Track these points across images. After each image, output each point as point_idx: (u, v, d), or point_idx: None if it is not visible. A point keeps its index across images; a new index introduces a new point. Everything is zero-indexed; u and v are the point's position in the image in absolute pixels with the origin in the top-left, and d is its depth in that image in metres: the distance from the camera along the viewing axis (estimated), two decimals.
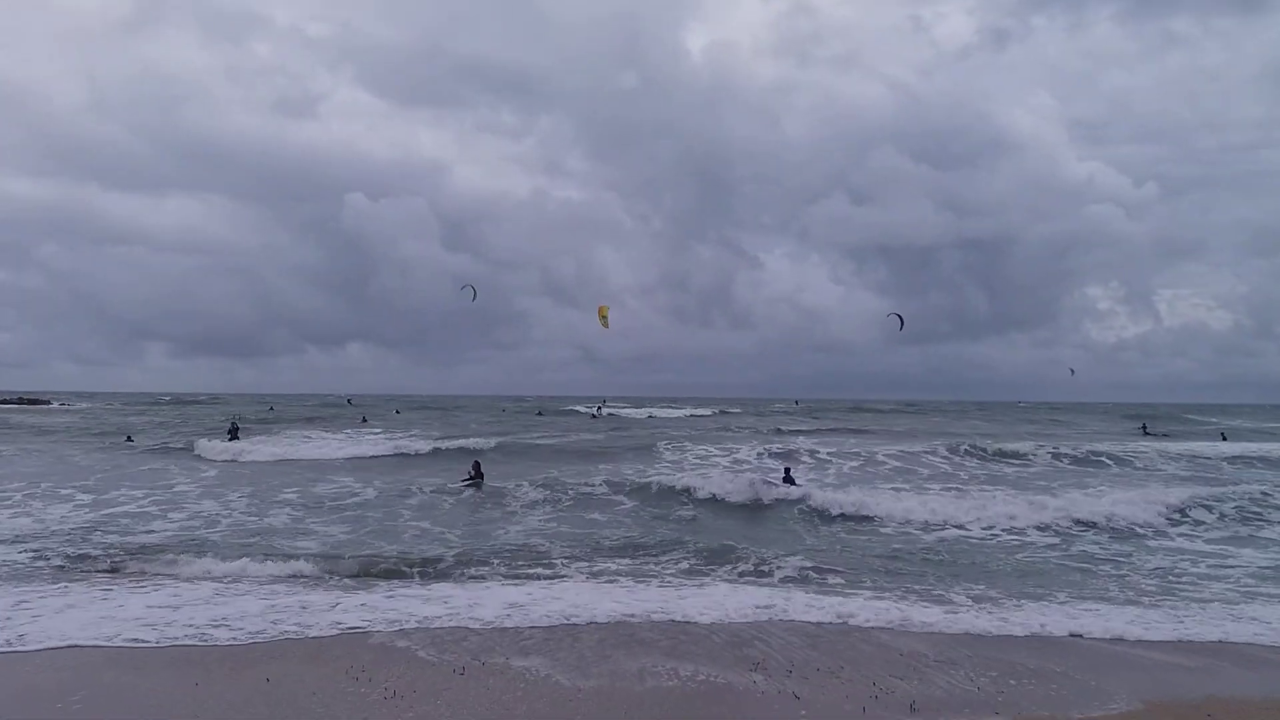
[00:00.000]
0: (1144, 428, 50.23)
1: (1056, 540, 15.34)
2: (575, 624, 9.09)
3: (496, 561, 12.64)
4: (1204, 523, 17.16)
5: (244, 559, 12.18)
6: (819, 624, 9.21)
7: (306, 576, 11.58)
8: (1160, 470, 27.07)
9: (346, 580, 11.47)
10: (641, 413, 73.17)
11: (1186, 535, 16.15)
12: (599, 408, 74.88)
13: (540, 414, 70.96)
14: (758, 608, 9.74)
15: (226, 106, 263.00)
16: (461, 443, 32.16)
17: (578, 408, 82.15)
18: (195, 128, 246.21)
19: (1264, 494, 19.54)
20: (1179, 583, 11.98)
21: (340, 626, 8.91)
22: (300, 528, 15.53)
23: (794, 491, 19.30)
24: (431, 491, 20.02)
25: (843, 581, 11.63)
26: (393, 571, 11.98)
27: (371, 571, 11.93)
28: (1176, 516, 17.39)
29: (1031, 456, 29.74)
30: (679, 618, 9.34)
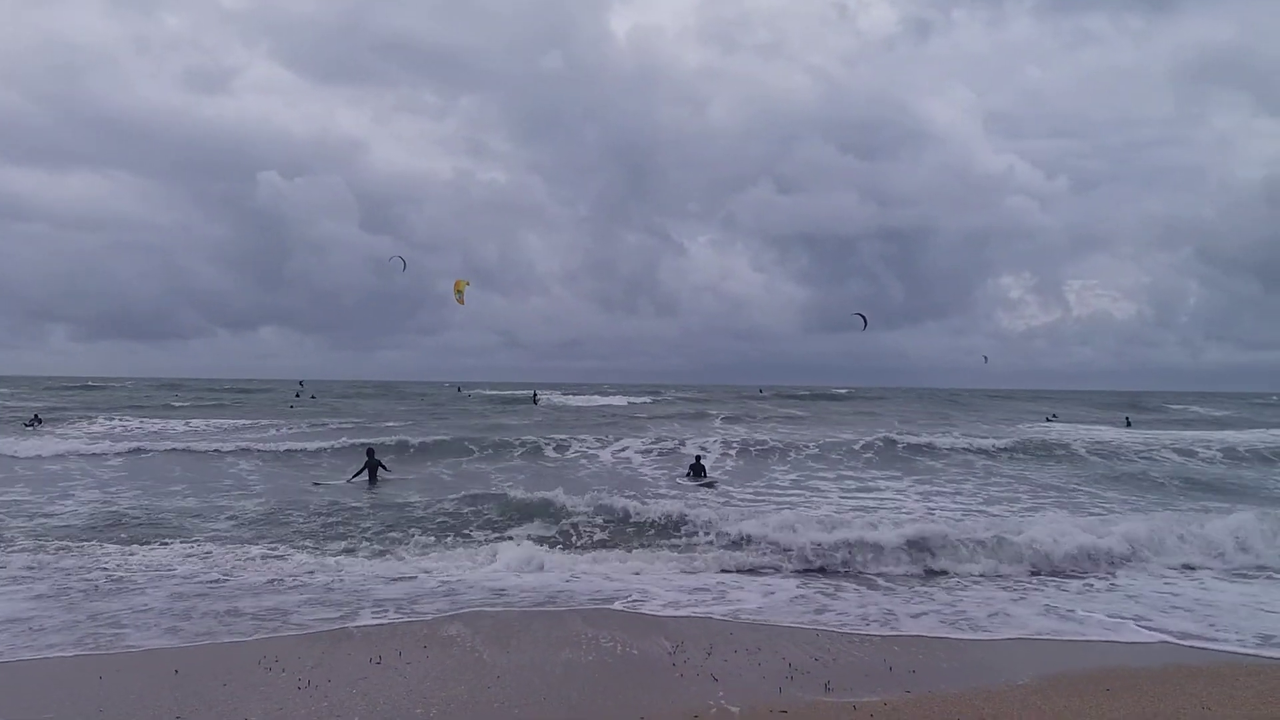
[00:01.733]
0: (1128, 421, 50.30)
1: None
2: (483, 611, 9.10)
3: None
4: None
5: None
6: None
7: None
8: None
9: None
10: (587, 400, 70.91)
11: None
12: (535, 395, 73.04)
13: (460, 390, 70.81)
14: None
15: (134, 79, 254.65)
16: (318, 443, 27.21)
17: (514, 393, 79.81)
18: (101, 101, 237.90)
19: None
20: None
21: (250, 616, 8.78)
22: None
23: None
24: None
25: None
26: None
27: None
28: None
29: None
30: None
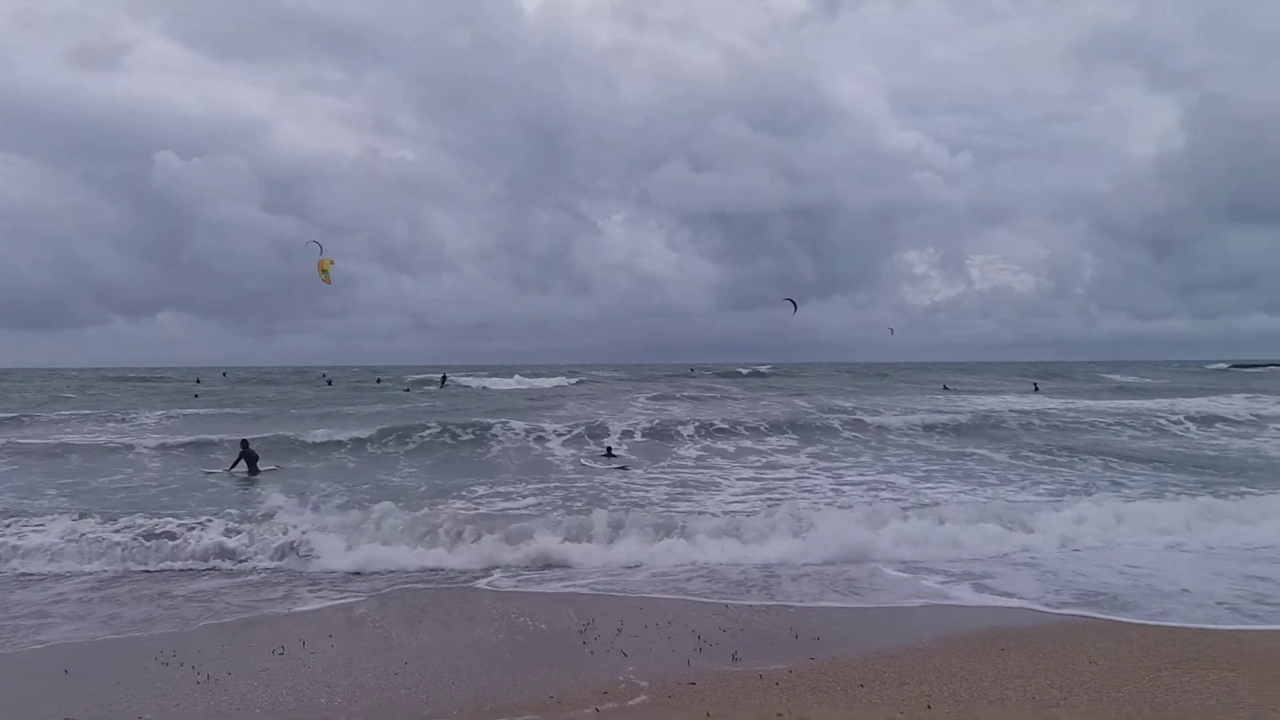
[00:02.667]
0: (1035, 386, 52.55)
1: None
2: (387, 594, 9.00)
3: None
4: None
5: None
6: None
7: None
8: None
9: None
10: (503, 383, 67.54)
11: None
12: (443, 378, 69.64)
13: (330, 382, 68.55)
14: None
15: (17, 56, 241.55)
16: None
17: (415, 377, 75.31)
18: None
19: None
20: None
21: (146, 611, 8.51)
22: None
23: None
24: None
25: None
26: None
27: None
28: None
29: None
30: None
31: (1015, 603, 8.60)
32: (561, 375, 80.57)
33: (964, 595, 8.91)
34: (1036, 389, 49.39)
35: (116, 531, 11.31)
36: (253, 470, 18.68)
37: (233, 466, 18.94)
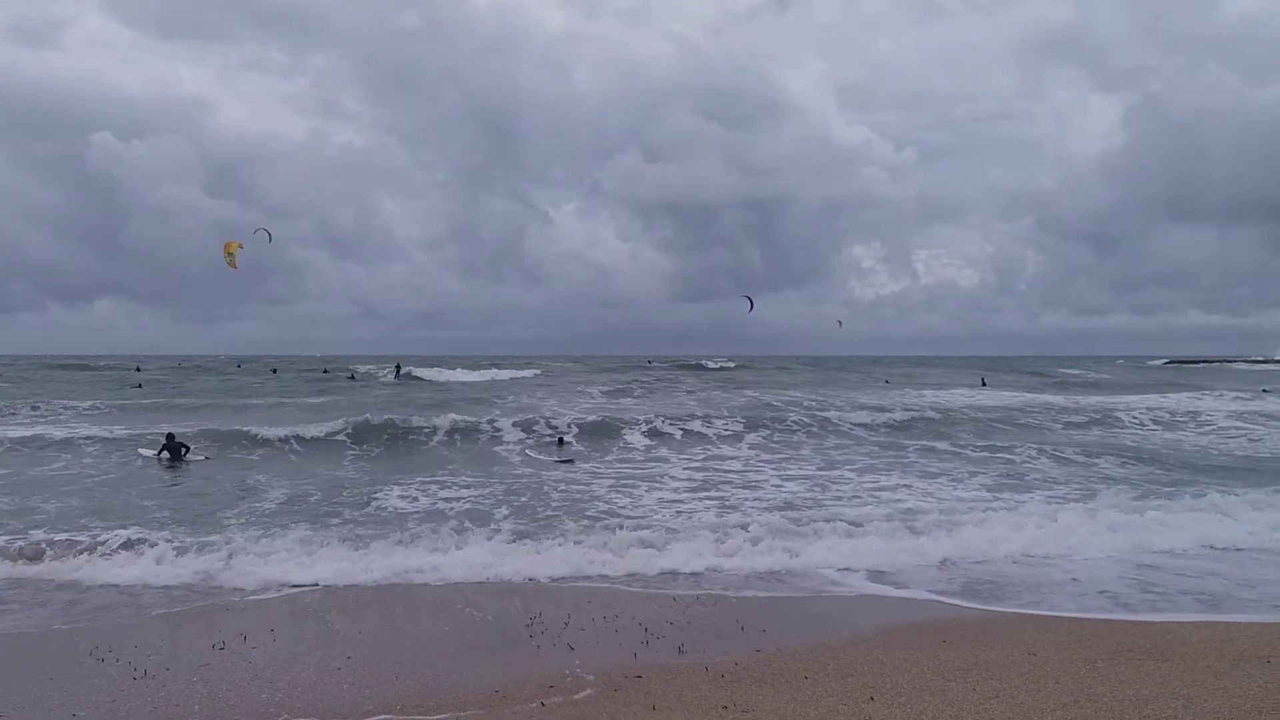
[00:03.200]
0: (983, 381, 52.93)
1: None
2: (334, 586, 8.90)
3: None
4: None
5: None
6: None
7: None
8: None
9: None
10: (455, 374, 65.89)
11: None
12: (397, 368, 68.19)
13: (275, 371, 67.55)
14: None
15: None
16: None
17: (367, 368, 72.60)
18: None
19: None
20: None
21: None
22: None
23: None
24: None
25: None
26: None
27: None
28: None
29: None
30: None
31: (946, 598, 8.74)
32: (516, 367, 79.15)
33: (866, 586, 9.04)
34: (984, 384, 50.15)
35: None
36: (176, 457, 18.89)
37: (159, 453, 19.11)
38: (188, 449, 19.30)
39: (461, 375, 64.20)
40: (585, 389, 45.06)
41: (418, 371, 66.67)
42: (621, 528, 11.36)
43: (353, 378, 60.21)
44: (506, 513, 12.94)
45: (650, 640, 7.15)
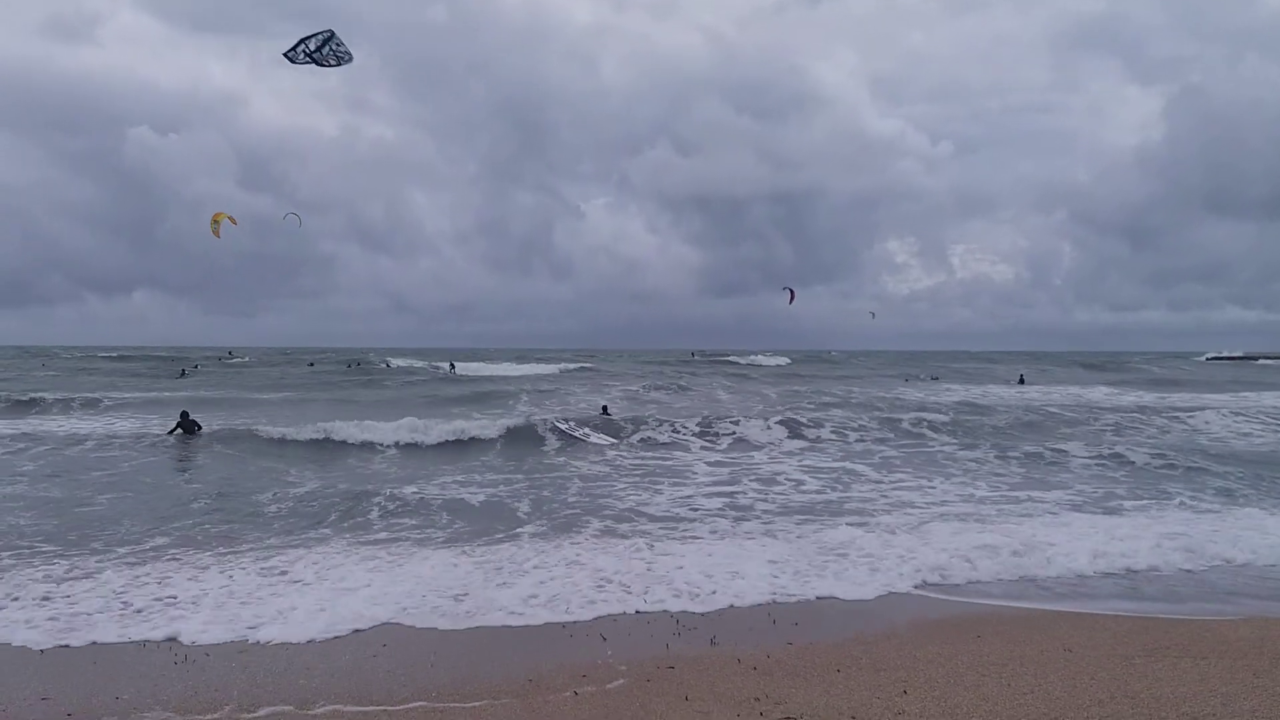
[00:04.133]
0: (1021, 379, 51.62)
1: None
2: None
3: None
4: None
5: None
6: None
7: None
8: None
9: None
10: (504, 369, 64.32)
11: None
12: (451, 364, 66.41)
13: (351, 366, 66.32)
14: None
15: None
16: None
17: (414, 362, 70.55)
18: None
19: None
20: None
21: None
22: None
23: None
24: None
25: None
26: None
27: None
28: None
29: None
30: None
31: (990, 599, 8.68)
32: (562, 360, 78.75)
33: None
34: (1023, 381, 49.53)
35: None
36: (190, 433, 20.41)
37: (172, 431, 20.54)
38: (200, 427, 20.70)
39: (507, 369, 63.14)
40: (658, 382, 44.23)
41: (459, 367, 65.59)
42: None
43: (454, 369, 61.26)
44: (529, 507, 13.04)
45: (682, 632, 7.17)
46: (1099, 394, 39.42)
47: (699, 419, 23.19)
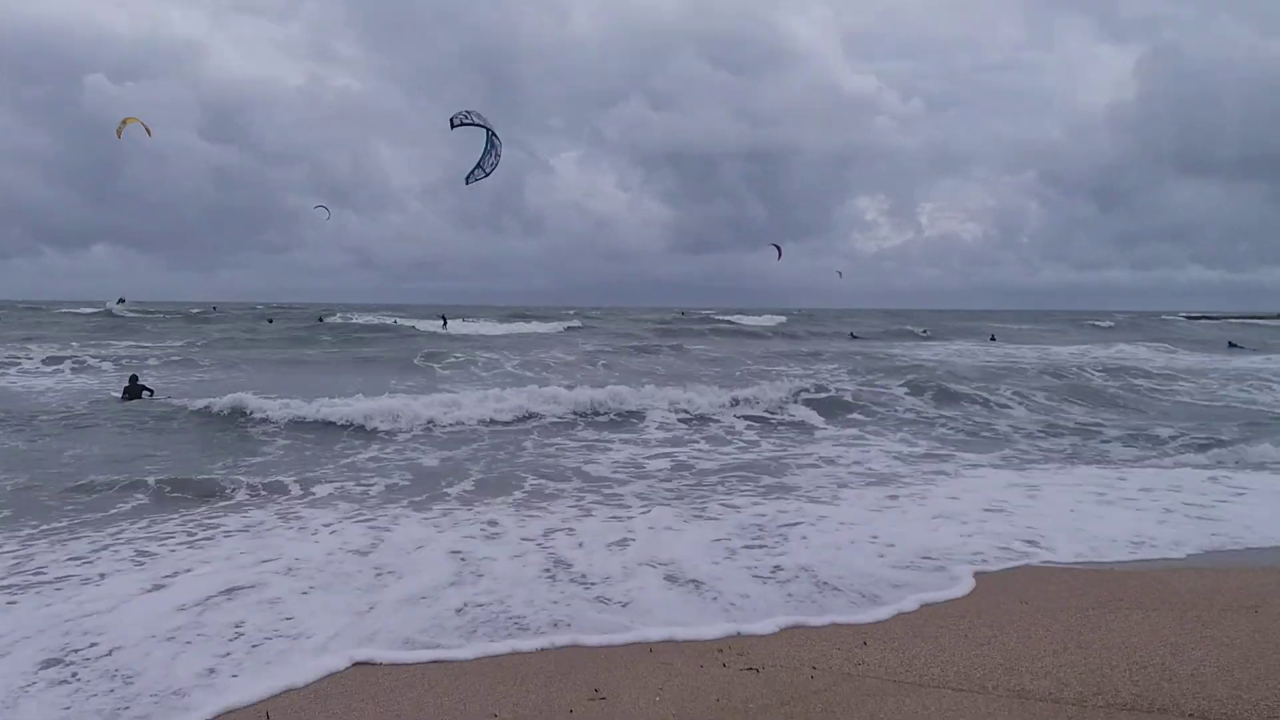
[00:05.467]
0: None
1: None
2: None
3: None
4: None
5: None
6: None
7: None
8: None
9: None
10: (492, 327, 60.16)
11: None
12: (444, 319, 61.86)
13: (322, 320, 63.46)
14: None
15: None
16: None
17: (411, 323, 60.93)
18: None
19: None
20: None
21: None
22: None
23: None
24: None
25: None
26: None
27: None
28: None
29: None
30: None
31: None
32: (544, 318, 75.50)
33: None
34: (994, 339, 50.22)
35: None
36: (136, 397, 19.64)
37: (123, 398, 19.69)
38: (151, 392, 20.07)
39: (489, 328, 59.61)
40: (668, 344, 42.81)
41: (465, 327, 60.65)
42: None
43: (445, 324, 57.88)
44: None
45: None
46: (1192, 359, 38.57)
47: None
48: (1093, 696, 4.91)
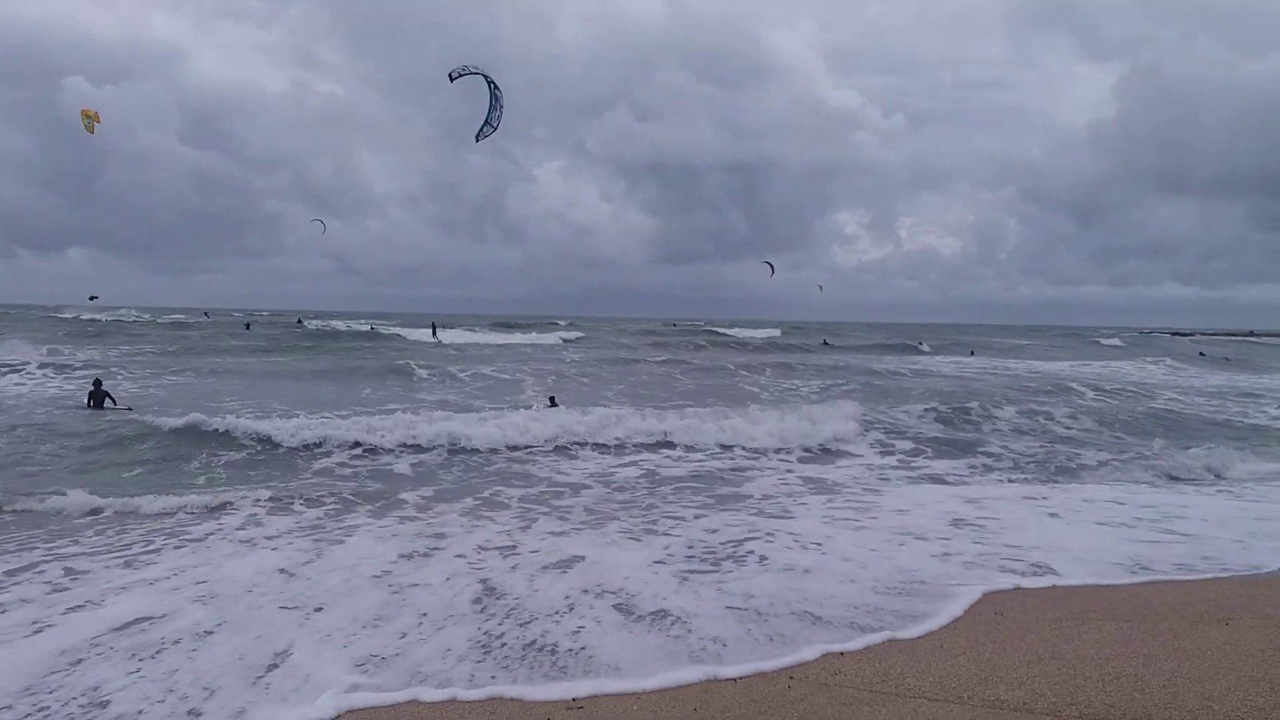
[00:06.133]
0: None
1: None
2: None
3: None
4: None
5: None
6: None
7: None
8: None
9: None
10: (485, 336, 58.42)
11: None
12: (434, 328, 59.84)
13: (300, 322, 63.24)
14: None
15: None
16: None
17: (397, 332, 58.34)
18: None
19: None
20: None
21: None
22: None
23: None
24: None
25: None
26: None
27: None
28: None
29: None
30: None
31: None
32: (540, 329, 72.76)
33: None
34: (973, 354, 50.74)
35: None
36: (99, 405, 19.26)
37: (88, 403, 19.44)
38: (114, 400, 19.65)
39: (491, 337, 57.45)
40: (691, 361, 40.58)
41: (457, 337, 58.10)
42: None
43: (436, 334, 55.66)
44: None
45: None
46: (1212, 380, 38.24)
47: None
48: (1066, 707, 4.95)
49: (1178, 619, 6.59)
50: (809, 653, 5.96)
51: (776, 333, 79.62)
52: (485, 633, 6.50)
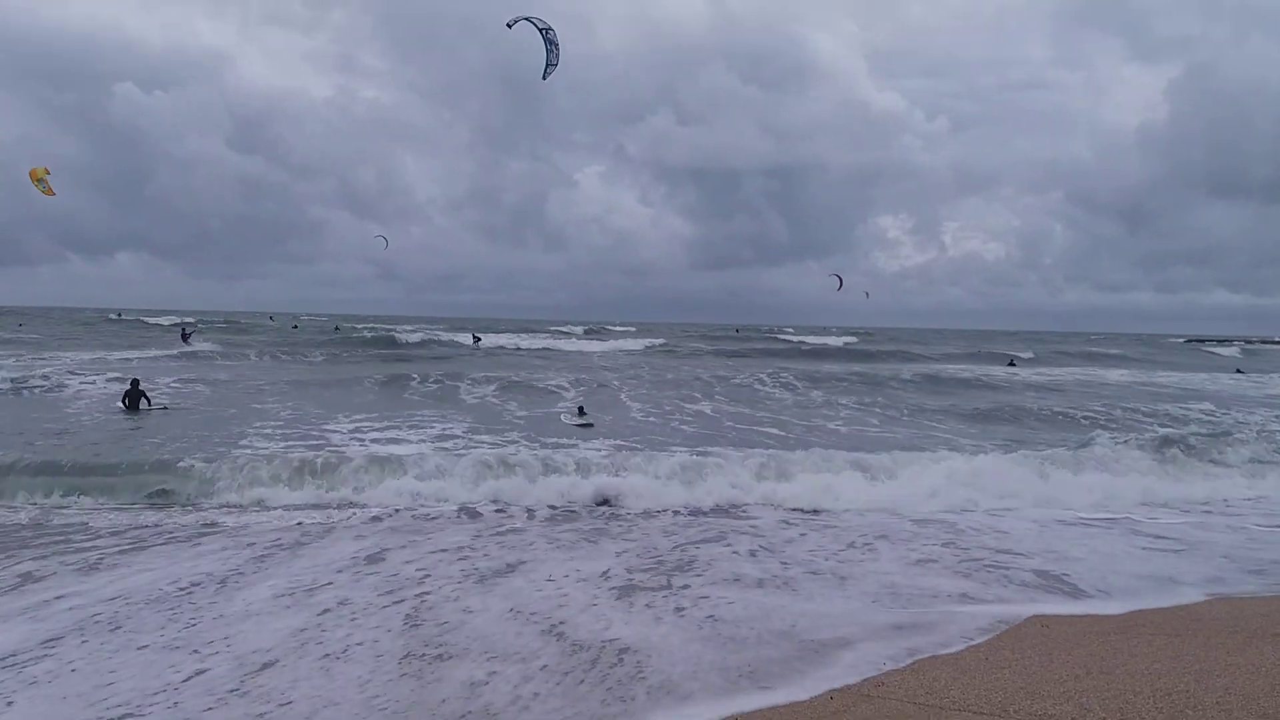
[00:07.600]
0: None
1: None
2: None
3: None
4: None
5: None
6: None
7: None
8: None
9: None
10: (532, 340, 56.94)
11: None
12: (476, 337, 58.83)
13: (338, 329, 63.08)
14: None
15: None
16: None
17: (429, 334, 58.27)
18: None
19: None
20: None
21: None
22: None
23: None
24: None
25: None
26: None
27: None
28: None
29: None
30: None
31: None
32: (616, 337, 69.70)
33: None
34: (1013, 363, 49.35)
35: None
36: (134, 408, 19.45)
37: (122, 401, 19.80)
38: (148, 401, 19.87)
39: (538, 340, 56.18)
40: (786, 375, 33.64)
41: (494, 339, 57.59)
42: None
43: (478, 342, 54.68)
44: None
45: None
46: None
47: None
48: None
49: (1230, 634, 6.44)
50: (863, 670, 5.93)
51: (853, 340, 74.60)
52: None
